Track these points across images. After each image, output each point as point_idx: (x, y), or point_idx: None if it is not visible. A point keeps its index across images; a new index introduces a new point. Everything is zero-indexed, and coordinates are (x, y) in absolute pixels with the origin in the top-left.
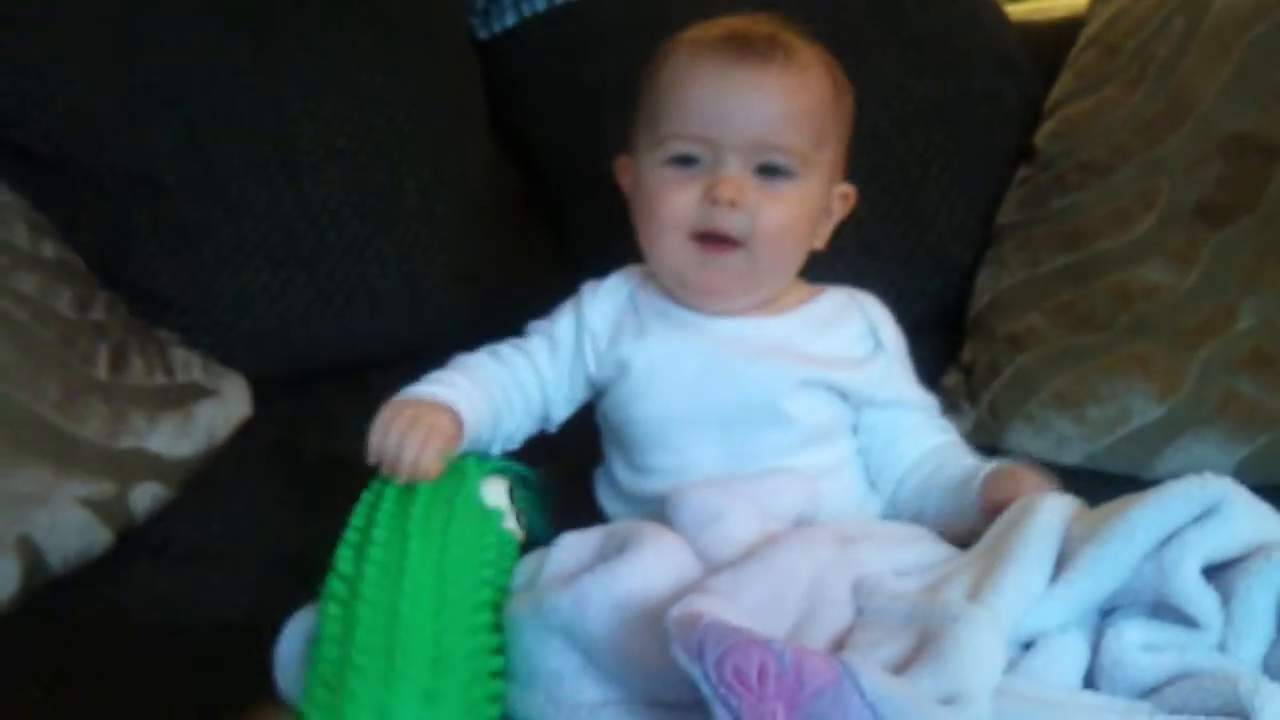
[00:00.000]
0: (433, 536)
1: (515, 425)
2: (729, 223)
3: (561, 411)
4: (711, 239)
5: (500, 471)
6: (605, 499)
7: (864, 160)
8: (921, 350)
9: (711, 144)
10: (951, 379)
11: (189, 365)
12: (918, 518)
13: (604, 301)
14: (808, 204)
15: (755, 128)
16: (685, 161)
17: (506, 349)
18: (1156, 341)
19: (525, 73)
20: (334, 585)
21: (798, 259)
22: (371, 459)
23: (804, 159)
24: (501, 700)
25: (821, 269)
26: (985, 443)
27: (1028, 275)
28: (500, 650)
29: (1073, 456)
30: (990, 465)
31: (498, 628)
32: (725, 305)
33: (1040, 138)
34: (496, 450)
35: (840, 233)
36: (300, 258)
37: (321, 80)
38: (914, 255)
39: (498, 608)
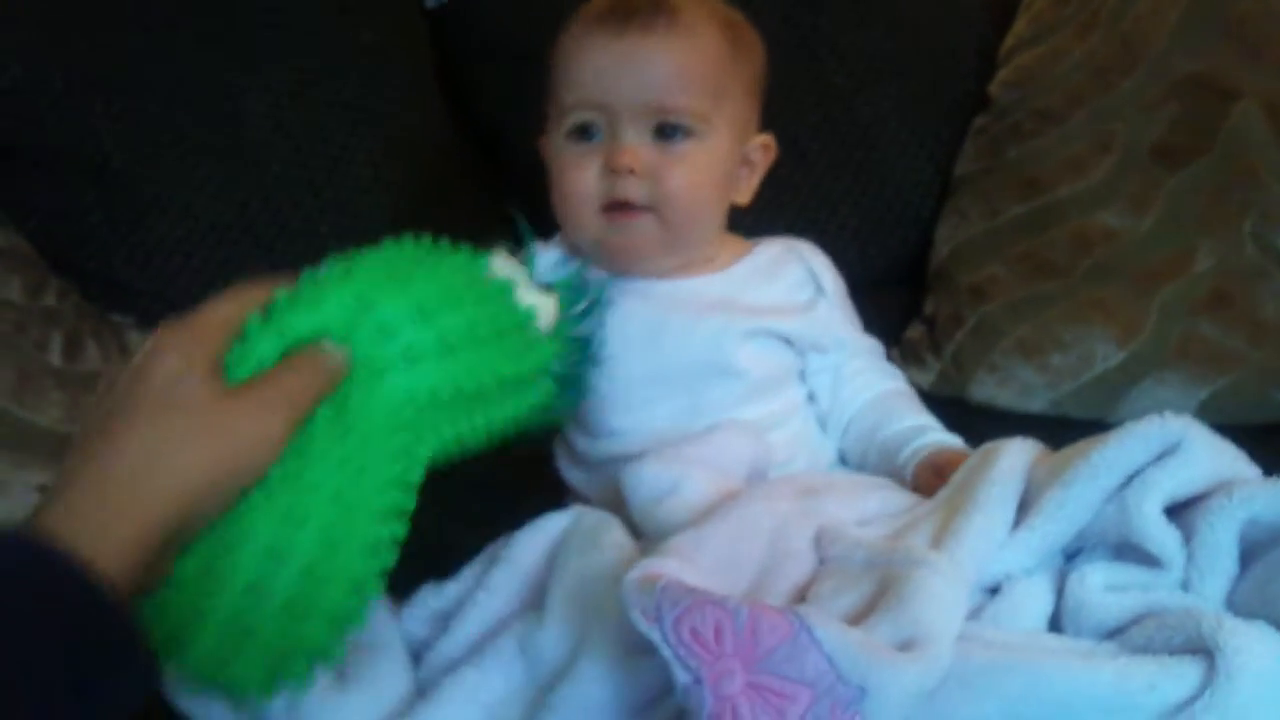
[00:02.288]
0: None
1: None
2: (631, 191)
3: None
4: (618, 207)
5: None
6: (563, 467)
7: (820, 117)
8: (884, 304)
9: (606, 111)
10: (914, 332)
11: None
12: (861, 467)
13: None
14: (714, 161)
15: (646, 91)
16: (584, 133)
17: None
18: (1116, 286)
19: (474, 41)
20: None
21: (715, 216)
22: None
23: (701, 117)
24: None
25: (781, 226)
26: (950, 394)
27: (987, 225)
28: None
29: (1037, 404)
30: (922, 448)
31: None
32: (648, 267)
33: (995, 86)
34: None
35: (799, 189)
36: (254, 234)
37: (265, 53)
38: (874, 210)
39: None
